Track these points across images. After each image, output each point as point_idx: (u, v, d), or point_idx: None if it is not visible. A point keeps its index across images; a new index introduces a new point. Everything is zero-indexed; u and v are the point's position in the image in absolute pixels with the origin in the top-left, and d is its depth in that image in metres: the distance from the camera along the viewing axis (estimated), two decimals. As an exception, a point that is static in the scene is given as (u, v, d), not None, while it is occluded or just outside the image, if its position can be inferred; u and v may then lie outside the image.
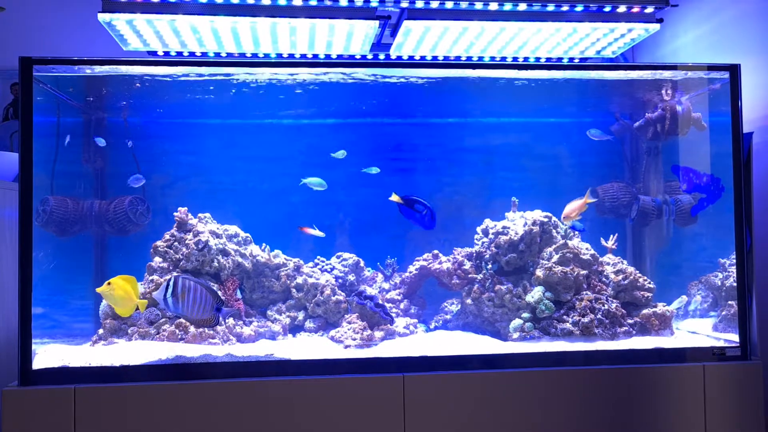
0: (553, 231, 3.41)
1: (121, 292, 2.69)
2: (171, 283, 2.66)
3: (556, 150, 3.87)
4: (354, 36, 3.01)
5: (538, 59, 3.38)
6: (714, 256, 3.40)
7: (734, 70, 2.96)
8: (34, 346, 2.65)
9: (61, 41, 3.72)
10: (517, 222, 3.43)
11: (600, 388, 2.78)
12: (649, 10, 2.91)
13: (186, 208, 3.37)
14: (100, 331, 3.06)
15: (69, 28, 3.71)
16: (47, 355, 2.78)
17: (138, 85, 3.22)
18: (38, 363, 2.67)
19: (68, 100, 3.36)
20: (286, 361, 2.80)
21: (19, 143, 2.64)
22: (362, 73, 3.21)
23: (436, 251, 3.60)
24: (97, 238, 3.61)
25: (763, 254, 3.02)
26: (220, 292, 3.22)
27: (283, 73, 3.16)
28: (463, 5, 2.81)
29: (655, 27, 2.99)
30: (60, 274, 3.17)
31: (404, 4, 2.81)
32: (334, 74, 3.17)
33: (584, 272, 3.26)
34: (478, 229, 3.54)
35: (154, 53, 3.17)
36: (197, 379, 2.66)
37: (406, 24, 2.88)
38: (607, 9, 2.89)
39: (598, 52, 3.33)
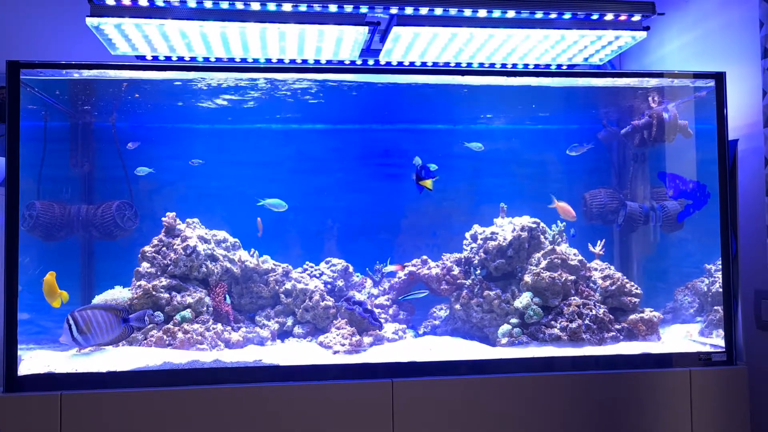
0: (541, 237, 3.43)
1: (46, 287, 2.73)
2: (72, 323, 2.71)
3: (544, 156, 3.90)
4: (343, 42, 3.01)
5: (526, 66, 3.40)
6: (700, 261, 3.43)
7: (720, 78, 3.00)
8: (19, 352, 2.62)
9: (48, 45, 3.70)
10: (506, 228, 3.44)
11: (588, 393, 2.80)
12: (636, 18, 2.93)
13: (174, 213, 3.35)
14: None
15: (56, 32, 3.69)
16: (33, 361, 2.75)
17: (126, 88, 3.22)
18: (24, 369, 2.65)
19: (55, 104, 3.34)
20: (275, 367, 2.79)
21: (6, 147, 2.63)
22: (351, 79, 3.22)
23: (424, 257, 3.60)
24: (84, 243, 3.58)
25: (748, 260, 3.05)
26: (207, 298, 3.21)
27: (271, 78, 3.16)
28: (453, 12, 2.82)
29: (641, 35, 3.02)
30: (46, 280, 3.15)
31: (394, 11, 2.82)
32: (323, 79, 3.18)
33: (572, 278, 3.28)
34: (467, 235, 3.55)
35: (142, 57, 3.16)
36: (185, 385, 2.64)
37: (396, 30, 2.89)
38: (595, 17, 2.91)
39: (586, 59, 3.35)
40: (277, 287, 3.41)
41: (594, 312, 3.16)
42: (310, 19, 2.79)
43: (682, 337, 3.28)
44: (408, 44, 3.07)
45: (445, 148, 3.90)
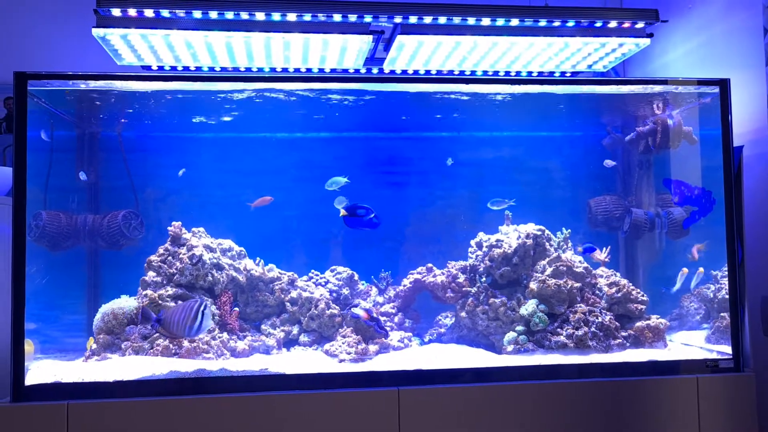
0: (547, 244, 3.42)
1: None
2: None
3: (548, 163, 3.90)
4: (348, 50, 3.02)
5: (530, 73, 3.41)
6: (706, 268, 3.41)
7: (724, 85, 3.00)
8: (26, 362, 2.63)
9: (55, 55, 3.73)
10: (511, 235, 3.44)
11: (594, 400, 2.79)
12: (640, 25, 2.94)
13: (180, 223, 3.37)
14: (93, 346, 3.04)
15: (63, 42, 3.72)
16: (40, 370, 2.76)
17: (131, 98, 3.23)
18: (31, 379, 2.65)
19: (62, 115, 3.36)
20: (281, 376, 2.79)
21: (13, 158, 2.64)
22: (355, 88, 3.23)
23: (430, 264, 3.60)
24: (90, 253, 3.59)
25: (755, 266, 3.04)
26: (213, 307, 3.22)
27: (276, 88, 3.17)
28: (456, 20, 2.83)
29: (645, 42, 3.02)
30: (53, 289, 3.15)
31: (398, 20, 2.83)
32: (327, 88, 3.19)
33: (578, 285, 3.27)
34: (472, 243, 3.55)
35: (148, 68, 3.18)
36: (191, 394, 2.64)
37: (400, 39, 2.90)
38: (599, 24, 2.92)
39: (590, 67, 3.36)
40: (282, 296, 3.41)
41: (600, 319, 3.16)
42: (314, 29, 2.80)
43: (687, 343, 3.27)
44: (412, 53, 3.08)
45: (449, 156, 3.90)
